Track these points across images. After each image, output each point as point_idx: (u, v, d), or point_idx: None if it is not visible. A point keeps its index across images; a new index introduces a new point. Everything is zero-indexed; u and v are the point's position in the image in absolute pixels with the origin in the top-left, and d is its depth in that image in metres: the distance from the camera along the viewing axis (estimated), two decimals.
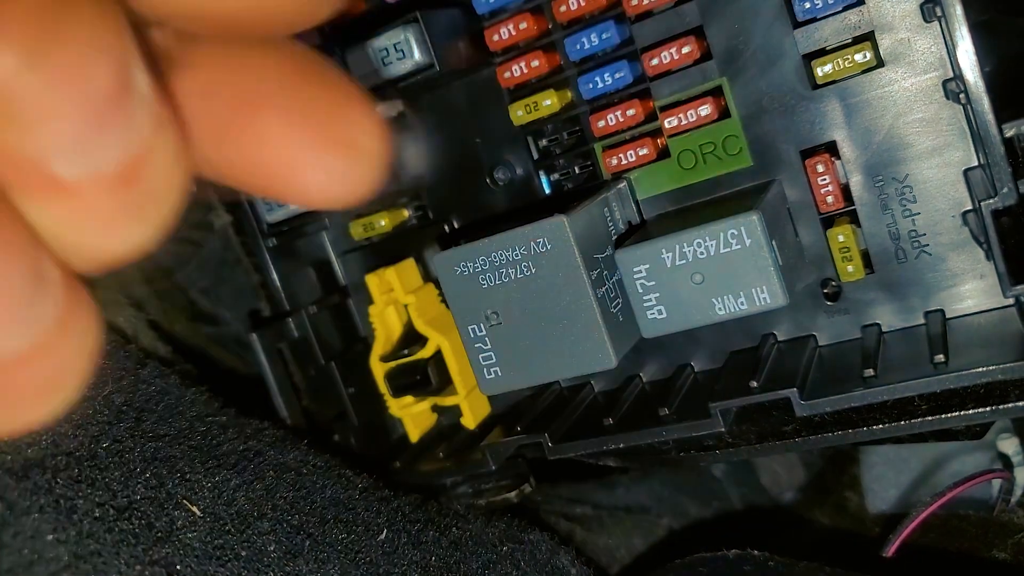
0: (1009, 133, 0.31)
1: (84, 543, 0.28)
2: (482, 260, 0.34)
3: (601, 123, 0.37)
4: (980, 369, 0.31)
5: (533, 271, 0.33)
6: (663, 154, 0.37)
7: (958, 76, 0.31)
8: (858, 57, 0.33)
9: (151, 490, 0.31)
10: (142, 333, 0.40)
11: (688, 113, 0.36)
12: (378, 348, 0.43)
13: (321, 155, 0.22)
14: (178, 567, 0.29)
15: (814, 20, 0.34)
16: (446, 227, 0.42)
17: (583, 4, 0.36)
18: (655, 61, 0.36)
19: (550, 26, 0.38)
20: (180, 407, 0.35)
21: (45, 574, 0.27)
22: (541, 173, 0.40)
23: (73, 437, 0.31)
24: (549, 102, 0.38)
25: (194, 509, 0.31)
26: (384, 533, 0.35)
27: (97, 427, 0.32)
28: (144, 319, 0.42)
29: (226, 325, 0.49)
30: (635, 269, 0.32)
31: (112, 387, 0.34)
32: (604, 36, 0.36)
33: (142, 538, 0.29)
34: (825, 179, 0.35)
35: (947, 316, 0.35)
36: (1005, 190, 0.30)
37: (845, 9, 0.33)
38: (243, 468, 0.34)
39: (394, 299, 0.42)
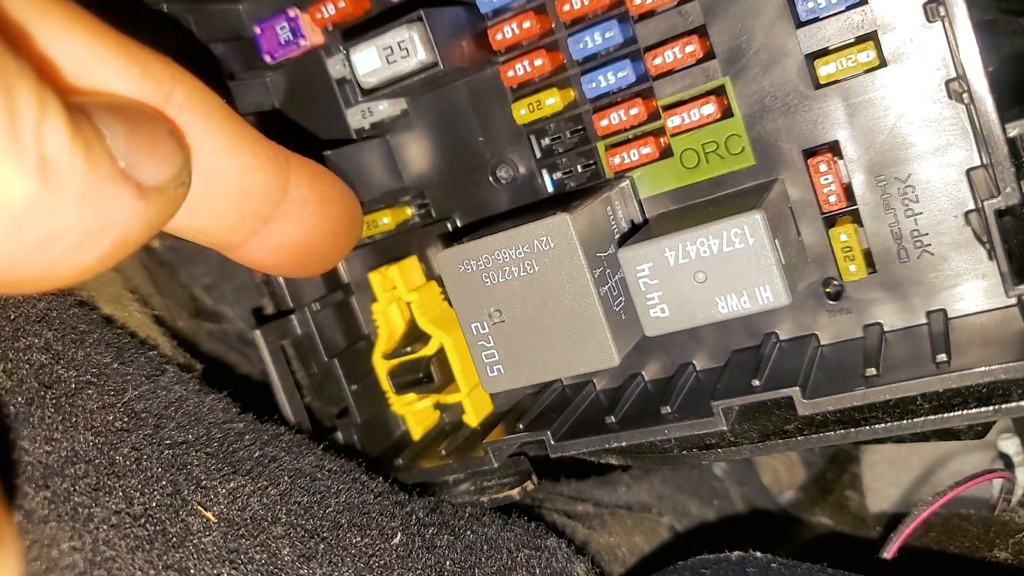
0: (1012, 133, 0.31)
1: (99, 550, 0.28)
2: (485, 258, 0.34)
3: (604, 122, 0.37)
4: (982, 368, 0.31)
5: (536, 269, 0.33)
6: (666, 153, 0.38)
7: (961, 76, 0.31)
8: (861, 57, 0.33)
9: (167, 497, 0.31)
10: (148, 329, 0.40)
11: (691, 112, 0.36)
12: (381, 346, 0.43)
13: None
14: (192, 571, 0.29)
15: (817, 20, 0.34)
16: (449, 225, 0.42)
17: (586, 3, 0.36)
18: (658, 60, 0.36)
19: (553, 25, 0.38)
20: (198, 414, 0.35)
21: None
22: (544, 172, 0.40)
23: (93, 444, 0.31)
24: (552, 101, 0.38)
25: (208, 515, 0.31)
26: (398, 537, 0.35)
27: (116, 434, 0.32)
28: (150, 314, 0.42)
29: (229, 322, 0.49)
30: (638, 268, 0.32)
31: (132, 393, 0.34)
32: (607, 35, 0.36)
33: (156, 543, 0.29)
34: (827, 178, 0.35)
35: (949, 316, 0.35)
36: (1008, 190, 0.30)
37: (848, 9, 0.33)
38: (258, 474, 0.34)
39: (397, 297, 0.42)
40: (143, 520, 0.30)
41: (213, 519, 0.32)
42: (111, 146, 0.22)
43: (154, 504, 0.30)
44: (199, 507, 0.32)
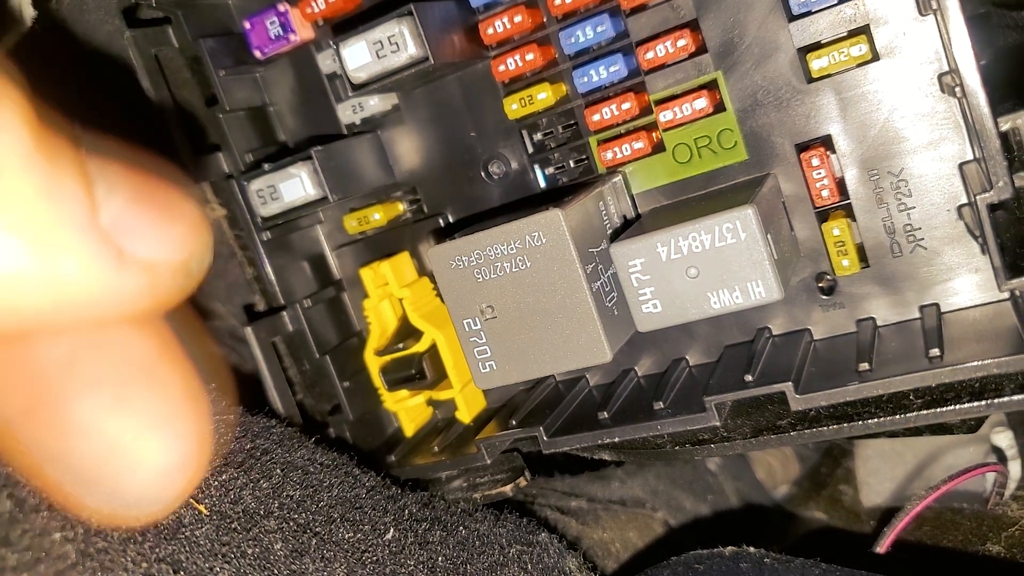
0: (1005, 127, 0.31)
1: (91, 541, 0.28)
2: (477, 254, 0.34)
3: (596, 117, 0.37)
4: (975, 363, 0.31)
5: (528, 265, 0.33)
6: (658, 148, 0.37)
7: (954, 70, 0.31)
8: (853, 51, 0.33)
9: None
10: None
11: (683, 107, 0.36)
12: (373, 342, 0.43)
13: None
14: (184, 564, 0.29)
15: (809, 13, 0.34)
16: (441, 221, 0.42)
17: None
18: (650, 55, 0.36)
19: (544, 19, 0.38)
20: None
21: (51, 572, 0.26)
22: (536, 167, 0.40)
23: None
24: (544, 96, 0.38)
25: (200, 508, 0.31)
26: (391, 532, 0.35)
27: None
28: None
29: (220, 319, 0.49)
30: (630, 263, 0.32)
31: None
32: (599, 29, 0.36)
33: (148, 535, 0.29)
34: (820, 173, 0.35)
35: (942, 310, 0.35)
36: (1001, 184, 0.30)
37: (840, 2, 0.33)
38: (250, 467, 0.34)
39: (389, 293, 0.42)
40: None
41: (205, 512, 0.31)
42: (101, 196, 0.20)
43: None
44: (191, 500, 0.31)
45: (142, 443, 0.23)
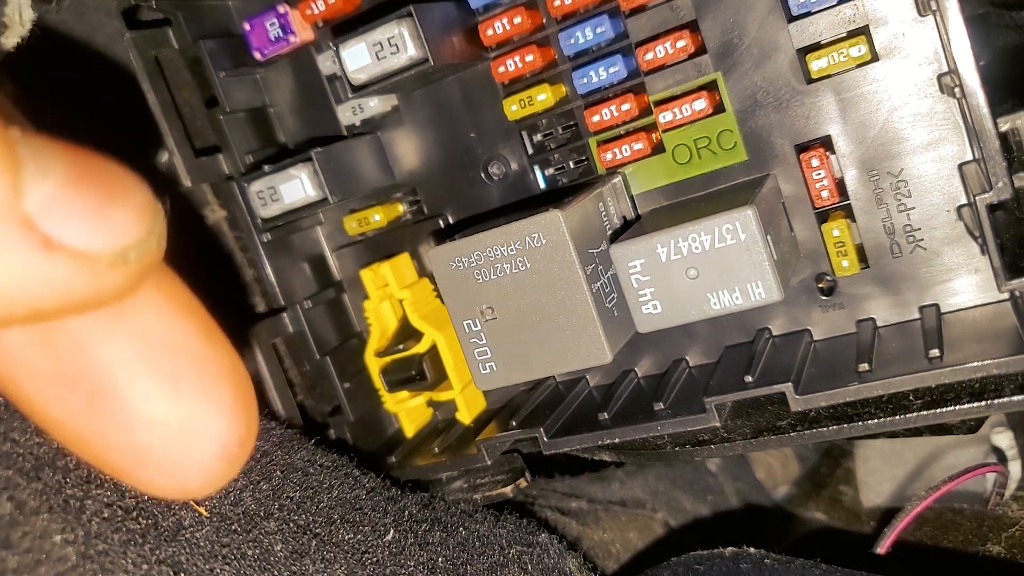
0: (1004, 127, 0.31)
1: (92, 543, 0.28)
2: (477, 255, 0.34)
3: (596, 118, 0.37)
4: (975, 364, 0.31)
5: (528, 266, 0.33)
6: (658, 149, 0.37)
7: (953, 70, 0.31)
8: (853, 51, 0.33)
9: None
10: None
11: (683, 108, 0.36)
12: (373, 343, 0.43)
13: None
14: (184, 566, 0.29)
15: (808, 14, 0.34)
16: (441, 222, 0.42)
17: None
18: (649, 56, 0.36)
19: (544, 21, 0.38)
20: None
21: (52, 574, 0.26)
22: (536, 168, 0.40)
23: None
24: (543, 97, 0.38)
25: (200, 510, 0.31)
26: (391, 533, 0.35)
27: None
28: None
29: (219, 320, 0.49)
30: (630, 264, 0.32)
31: None
32: (598, 30, 0.36)
33: (149, 537, 0.29)
34: (820, 173, 0.35)
35: (942, 311, 0.35)
36: (1000, 184, 0.30)
37: (840, 3, 0.33)
38: (250, 469, 0.34)
39: (389, 294, 0.42)
40: (135, 513, 0.30)
41: (205, 514, 0.31)
42: (31, 179, 0.18)
43: (146, 497, 0.30)
44: (191, 501, 0.31)
45: (202, 424, 0.23)
